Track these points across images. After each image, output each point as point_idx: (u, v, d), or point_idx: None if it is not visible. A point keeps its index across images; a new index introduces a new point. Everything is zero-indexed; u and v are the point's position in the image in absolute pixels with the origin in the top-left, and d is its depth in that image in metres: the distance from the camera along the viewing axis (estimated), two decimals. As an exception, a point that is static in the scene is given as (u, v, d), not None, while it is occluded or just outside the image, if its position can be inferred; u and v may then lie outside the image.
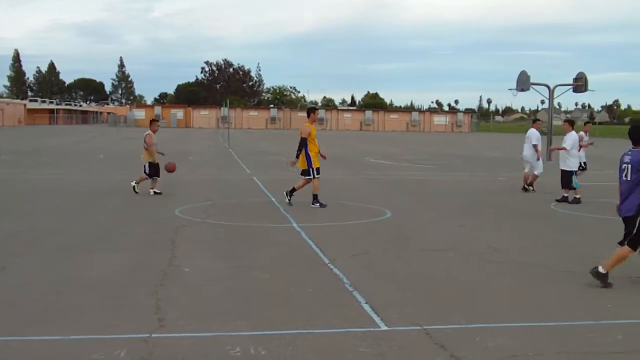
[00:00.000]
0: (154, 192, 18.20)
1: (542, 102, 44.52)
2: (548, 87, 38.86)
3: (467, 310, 7.80)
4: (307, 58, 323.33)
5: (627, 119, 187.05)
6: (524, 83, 37.98)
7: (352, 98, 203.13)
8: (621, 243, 9.29)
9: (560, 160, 18.60)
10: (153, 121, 19.41)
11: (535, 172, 20.37)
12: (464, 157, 37.16)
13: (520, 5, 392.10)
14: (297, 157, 16.26)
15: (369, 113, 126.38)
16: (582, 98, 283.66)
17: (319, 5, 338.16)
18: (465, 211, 16.13)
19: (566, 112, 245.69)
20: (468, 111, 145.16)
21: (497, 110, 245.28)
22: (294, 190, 16.48)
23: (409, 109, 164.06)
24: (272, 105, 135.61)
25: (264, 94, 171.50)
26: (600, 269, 9.00)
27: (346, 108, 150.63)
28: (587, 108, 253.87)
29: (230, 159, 34.19)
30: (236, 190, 19.90)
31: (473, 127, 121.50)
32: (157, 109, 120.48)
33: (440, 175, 26.47)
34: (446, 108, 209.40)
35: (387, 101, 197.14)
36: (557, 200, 17.86)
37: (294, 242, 11.99)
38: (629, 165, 9.23)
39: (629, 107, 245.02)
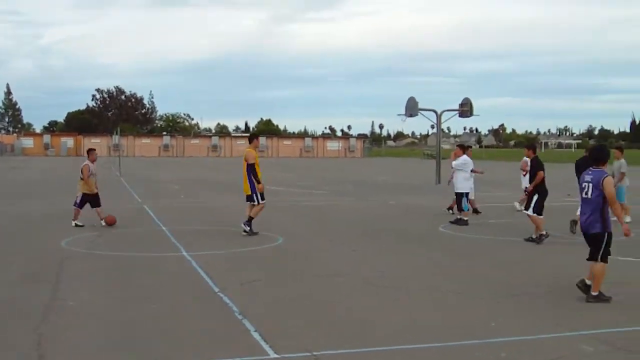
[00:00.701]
0: (105, 223, 17.53)
1: (432, 126, 45.93)
2: (435, 112, 39.86)
3: (354, 335, 7.87)
4: (201, 85, 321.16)
5: (512, 142, 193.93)
6: (412, 109, 38.83)
7: (246, 124, 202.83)
8: (591, 259, 9.73)
9: (455, 183, 19.16)
10: (90, 150, 18.76)
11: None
12: (356, 182, 37.53)
13: (409, 33, 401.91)
14: (250, 182, 16.25)
15: (262, 139, 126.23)
16: (470, 122, 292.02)
17: (212, 33, 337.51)
18: (357, 236, 16.28)
19: (455, 136, 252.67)
20: (361, 136, 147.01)
21: (389, 135, 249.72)
22: (250, 219, 16.27)
23: (303, 134, 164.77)
24: (165, 133, 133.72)
25: (157, 121, 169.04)
26: (593, 293, 9.53)
27: (240, 135, 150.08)
28: (474, 132, 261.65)
29: (120, 187, 33.50)
30: (126, 219, 19.47)
31: (365, 152, 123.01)
32: (46, 137, 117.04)
33: (332, 201, 26.66)
34: (339, 134, 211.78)
35: (281, 127, 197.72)
36: (451, 222, 18.31)
37: (183, 271, 11.83)
38: (590, 184, 9.67)
39: (513, 130, 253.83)
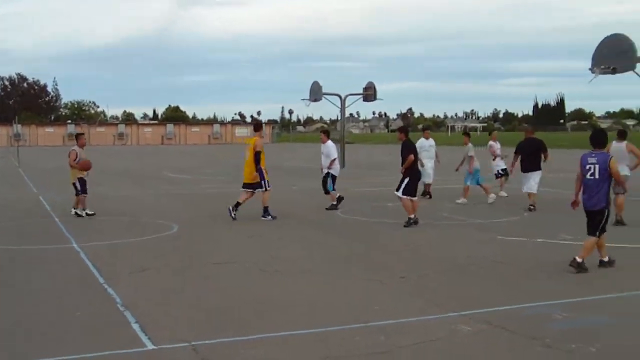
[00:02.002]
0: (87, 213, 17.02)
1: (340, 111, 46.12)
2: (339, 96, 40.04)
3: (237, 323, 7.80)
4: (107, 72, 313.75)
5: (420, 126, 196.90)
6: (316, 93, 38.93)
7: (154, 112, 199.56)
8: (588, 232, 10.55)
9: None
10: (78, 135, 18.06)
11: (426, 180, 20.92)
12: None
13: (316, 18, 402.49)
14: (260, 170, 16.45)
15: (170, 127, 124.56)
16: (379, 107, 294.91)
17: (117, 18, 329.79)
18: (255, 222, 16.18)
19: (364, 120, 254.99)
20: (270, 122, 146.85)
21: (299, 121, 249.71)
22: (266, 208, 16.47)
23: (211, 121, 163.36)
24: (69, 121, 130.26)
25: (61, 109, 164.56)
26: (578, 259, 10.29)
27: (147, 122, 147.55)
28: (383, 116, 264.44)
29: (18, 177, 32.50)
30: (19, 211, 18.90)
31: (274, 137, 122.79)
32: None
33: (235, 187, 26.41)
34: (249, 120, 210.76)
35: (190, 114, 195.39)
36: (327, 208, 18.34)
37: (71, 263, 11.54)
38: (596, 166, 10.48)
39: (421, 114, 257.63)
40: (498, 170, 21.80)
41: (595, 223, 10.51)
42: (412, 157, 15.19)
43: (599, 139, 10.90)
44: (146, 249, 12.82)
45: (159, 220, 16.15)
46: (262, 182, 16.57)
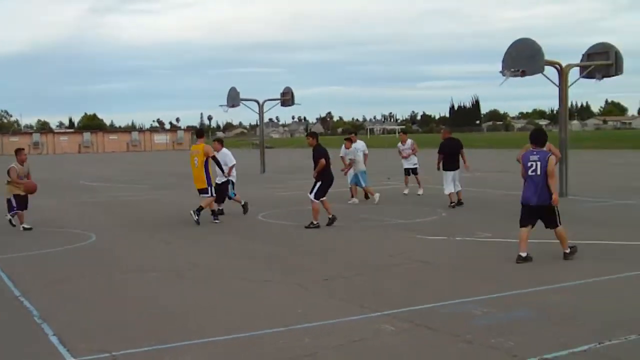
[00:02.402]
0: (24, 227, 16.20)
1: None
2: (257, 102, 39.92)
3: (159, 331, 7.66)
4: (19, 80, 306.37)
5: (339, 130, 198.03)
6: (234, 99, 38.69)
7: (70, 120, 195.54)
8: (550, 225, 11.11)
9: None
10: (18, 150, 16.94)
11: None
12: (180, 175, 36.99)
13: (232, 24, 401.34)
14: (207, 175, 16.57)
15: (87, 135, 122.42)
16: (299, 111, 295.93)
17: (30, 25, 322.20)
18: (175, 229, 16.00)
19: (284, 125, 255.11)
20: (189, 128, 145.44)
21: (218, 127, 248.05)
22: (202, 208, 16.44)
23: (129, 129, 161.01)
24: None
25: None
26: (566, 251, 11.06)
27: (63, 131, 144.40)
28: (303, 120, 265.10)
29: None
30: None
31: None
32: None
33: (153, 195, 26.13)
34: (168, 126, 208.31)
35: (108, 122, 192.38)
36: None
37: (-16, 276, 11.14)
38: (538, 163, 10.93)
39: (340, 118, 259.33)
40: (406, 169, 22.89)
41: (550, 215, 11.06)
42: (323, 161, 15.28)
43: (539, 138, 11.33)
44: (63, 260, 12.52)
45: (76, 230, 15.79)
46: (209, 187, 16.64)
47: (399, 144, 23.38)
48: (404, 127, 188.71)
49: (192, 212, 16.45)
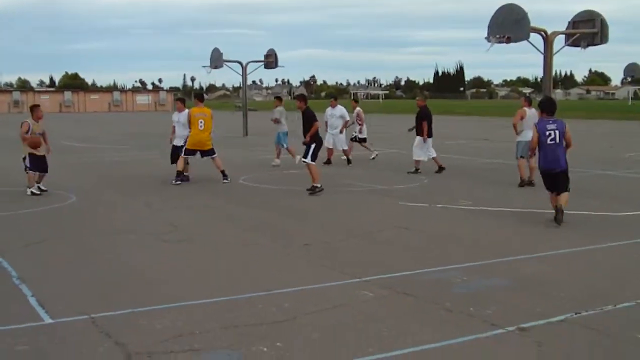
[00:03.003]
0: (32, 191, 15.12)
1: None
2: (241, 63, 39.64)
3: (137, 294, 7.65)
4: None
5: (323, 94, 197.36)
6: (217, 60, 38.40)
7: (51, 79, 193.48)
8: (561, 190, 11.61)
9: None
10: (34, 107, 15.93)
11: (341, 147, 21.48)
12: (163, 136, 36.75)
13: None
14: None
15: (68, 94, 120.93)
16: (282, 74, 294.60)
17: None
18: (156, 191, 15.93)
19: (267, 87, 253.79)
20: (172, 90, 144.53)
21: (201, 88, 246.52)
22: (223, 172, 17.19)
23: (111, 89, 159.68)
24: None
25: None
26: (562, 208, 11.47)
27: (44, 89, 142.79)
28: (287, 84, 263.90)
29: None
30: None
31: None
32: None
33: (134, 156, 26.00)
34: (150, 87, 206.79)
35: (89, 82, 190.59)
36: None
37: (-38, 236, 11.06)
38: (557, 131, 11.44)
39: (324, 82, 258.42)
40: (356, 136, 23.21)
41: (565, 181, 11.64)
42: (317, 124, 15.22)
43: (553, 107, 11.84)
44: (43, 220, 12.43)
45: (57, 191, 15.65)
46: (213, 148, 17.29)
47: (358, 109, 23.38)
48: (387, 92, 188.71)
49: (224, 181, 16.99)
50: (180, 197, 14.97)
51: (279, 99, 23.04)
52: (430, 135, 18.82)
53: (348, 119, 21.71)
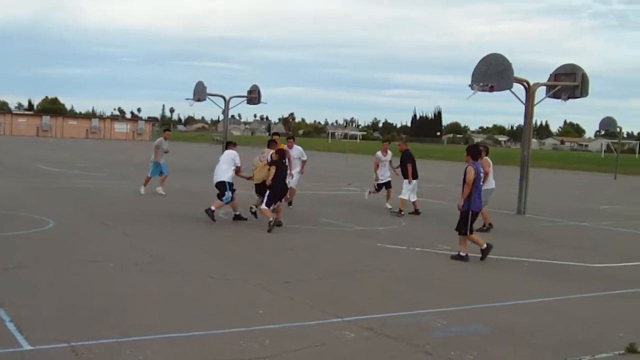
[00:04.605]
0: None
1: (223, 112, 45.60)
2: (224, 97, 39.80)
3: (118, 324, 7.60)
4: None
5: (301, 131, 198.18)
6: (200, 93, 38.54)
7: (30, 102, 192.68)
8: (471, 232, 12.65)
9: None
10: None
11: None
12: (140, 165, 36.73)
13: (202, 17, 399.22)
14: None
15: (46, 118, 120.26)
16: (261, 110, 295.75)
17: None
18: (133, 220, 15.88)
19: (246, 122, 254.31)
20: (150, 119, 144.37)
21: (180, 120, 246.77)
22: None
23: (90, 115, 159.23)
24: None
25: None
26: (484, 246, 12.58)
27: (22, 112, 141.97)
28: (265, 120, 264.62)
29: None
30: None
31: (154, 135, 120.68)
32: None
33: (112, 184, 25.88)
34: (129, 116, 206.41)
35: (68, 107, 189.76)
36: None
37: (-61, 257, 10.94)
38: (482, 174, 12.89)
39: (303, 120, 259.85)
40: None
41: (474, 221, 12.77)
42: (273, 169, 15.61)
43: (478, 152, 13.06)
44: (21, 245, 12.31)
45: (34, 215, 15.57)
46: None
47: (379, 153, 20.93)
48: (364, 132, 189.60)
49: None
50: (158, 228, 14.92)
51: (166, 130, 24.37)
52: (415, 177, 19.00)
53: (305, 158, 20.60)
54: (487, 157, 16.82)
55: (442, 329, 7.96)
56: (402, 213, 18.73)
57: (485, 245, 12.59)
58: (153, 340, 7.04)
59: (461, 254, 12.48)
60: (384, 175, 20.53)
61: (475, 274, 11.61)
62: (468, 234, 12.58)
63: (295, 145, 20.32)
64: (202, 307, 8.53)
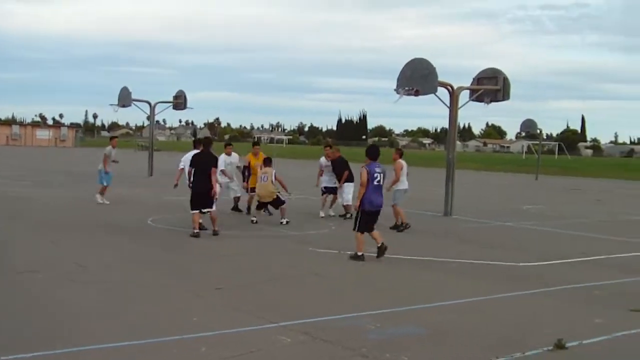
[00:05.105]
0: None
1: (147, 117, 45.11)
2: (149, 103, 39.36)
3: (48, 336, 7.47)
4: None
5: (227, 136, 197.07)
6: (125, 99, 38.00)
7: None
8: (363, 231, 12.94)
9: None
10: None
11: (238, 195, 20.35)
12: (65, 173, 36.10)
13: (124, 21, 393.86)
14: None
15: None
16: (186, 115, 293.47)
17: None
18: (61, 228, 15.60)
19: (171, 128, 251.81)
20: (73, 126, 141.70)
21: (103, 126, 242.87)
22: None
23: (10, 122, 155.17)
24: None
25: None
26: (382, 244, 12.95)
27: None
28: (190, 125, 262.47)
29: None
30: None
31: (78, 141, 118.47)
32: None
33: (35, 192, 25.32)
34: (51, 122, 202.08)
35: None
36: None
37: None
38: (382, 174, 12.97)
39: (228, 124, 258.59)
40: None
41: (376, 218, 13.19)
42: (188, 169, 15.73)
43: (377, 153, 13.22)
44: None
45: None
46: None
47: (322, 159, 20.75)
48: (290, 137, 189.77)
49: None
50: (86, 236, 14.69)
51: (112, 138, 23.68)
52: (351, 179, 19.11)
53: (240, 164, 20.24)
54: (400, 160, 17.87)
55: (376, 331, 8.06)
56: (349, 215, 18.74)
57: (361, 254, 12.80)
58: (84, 352, 6.93)
59: (358, 253, 12.87)
60: (330, 181, 20.21)
61: (406, 276, 11.77)
62: (355, 231, 12.99)
63: (233, 152, 19.89)
64: (134, 317, 8.43)
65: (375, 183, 12.85)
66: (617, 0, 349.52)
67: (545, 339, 7.85)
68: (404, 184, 17.95)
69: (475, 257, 13.68)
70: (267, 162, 18.45)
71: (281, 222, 17.54)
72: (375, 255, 12.93)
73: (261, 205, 18.32)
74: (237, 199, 20.38)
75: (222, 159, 18.63)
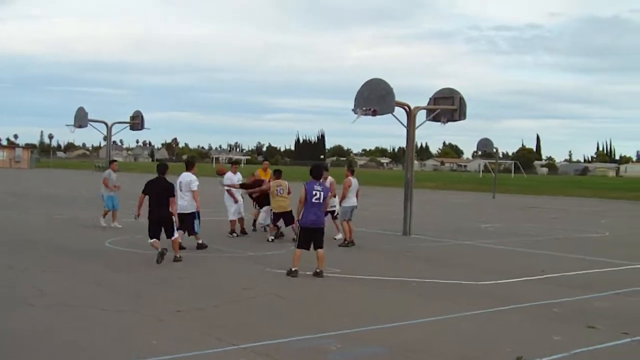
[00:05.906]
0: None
1: (105, 138, 44.82)
2: (106, 124, 39.09)
3: (7, 362, 7.34)
4: None
5: (184, 156, 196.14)
6: (81, 119, 37.68)
7: None
8: (319, 246, 13.20)
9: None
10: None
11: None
12: (19, 195, 35.53)
13: (80, 42, 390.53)
14: None
15: None
16: (144, 136, 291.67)
17: None
18: (15, 252, 15.33)
19: (128, 148, 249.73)
20: (28, 146, 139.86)
21: (59, 146, 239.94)
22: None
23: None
24: None
25: None
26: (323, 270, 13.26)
27: None
28: (148, 145, 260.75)
29: None
30: None
31: (33, 162, 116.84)
32: None
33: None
34: (5, 143, 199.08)
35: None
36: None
37: None
38: (322, 193, 13.16)
39: (186, 145, 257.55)
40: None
41: (322, 236, 13.32)
42: (141, 196, 14.79)
43: (320, 172, 13.56)
44: None
45: None
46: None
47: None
48: (249, 157, 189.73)
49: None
50: (42, 260, 14.46)
51: (113, 161, 23.62)
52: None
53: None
54: (351, 177, 18.89)
55: (337, 352, 8.04)
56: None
57: (295, 269, 13.15)
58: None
59: (292, 268, 13.19)
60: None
61: (367, 296, 11.78)
62: (295, 248, 13.48)
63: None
64: (93, 340, 8.31)
65: (313, 200, 13.11)
66: (569, 22, 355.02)
67: (505, 357, 7.92)
68: (351, 201, 18.67)
69: (435, 276, 13.75)
70: (278, 174, 18.86)
71: (293, 239, 17.01)
72: (326, 274, 13.29)
73: (277, 218, 18.52)
74: (242, 221, 20.20)
75: (229, 177, 20.08)
